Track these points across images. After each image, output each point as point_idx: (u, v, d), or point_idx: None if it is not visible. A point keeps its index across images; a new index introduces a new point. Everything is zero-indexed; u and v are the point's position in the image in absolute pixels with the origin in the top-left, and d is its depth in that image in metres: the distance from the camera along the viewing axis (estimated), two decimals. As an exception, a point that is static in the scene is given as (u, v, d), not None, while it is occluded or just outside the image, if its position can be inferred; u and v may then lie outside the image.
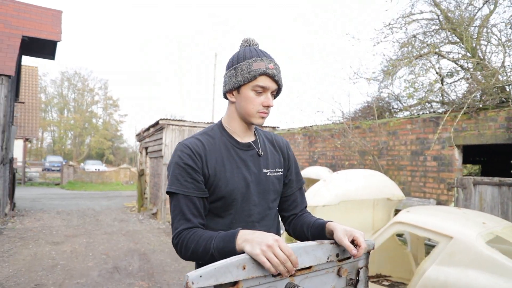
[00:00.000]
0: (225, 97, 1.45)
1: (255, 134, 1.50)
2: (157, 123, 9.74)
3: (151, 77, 67.71)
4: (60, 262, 5.48)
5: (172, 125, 9.56)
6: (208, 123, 10.17)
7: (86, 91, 44.47)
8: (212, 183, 1.32)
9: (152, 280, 4.84)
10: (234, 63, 1.37)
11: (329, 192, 4.12)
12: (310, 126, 8.86)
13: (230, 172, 1.35)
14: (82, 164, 32.09)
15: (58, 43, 8.82)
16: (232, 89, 1.37)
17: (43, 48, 9.15)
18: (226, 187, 1.32)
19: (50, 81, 46.05)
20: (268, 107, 1.35)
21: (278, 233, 1.54)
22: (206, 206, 1.33)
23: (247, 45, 1.43)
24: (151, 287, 4.60)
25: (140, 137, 12.96)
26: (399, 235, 5.49)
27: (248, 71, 1.31)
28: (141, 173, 12.11)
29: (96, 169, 26.61)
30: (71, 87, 43.86)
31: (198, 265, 1.36)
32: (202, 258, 1.19)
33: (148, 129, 11.23)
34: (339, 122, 8.12)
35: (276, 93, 1.40)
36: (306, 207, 1.59)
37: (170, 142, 9.51)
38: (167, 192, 1.31)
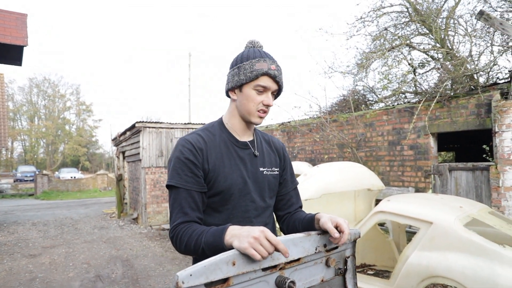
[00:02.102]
0: (227, 95, 1.48)
1: (253, 134, 1.53)
2: (133, 126, 9.54)
3: (125, 79, 66.28)
4: (39, 275, 5.29)
5: (149, 127, 9.40)
6: (185, 123, 10.06)
7: (57, 97, 43.03)
8: (212, 177, 1.34)
9: (137, 286, 4.75)
10: (238, 62, 1.40)
11: (311, 186, 4.14)
12: (288, 122, 8.90)
13: (229, 168, 1.38)
14: (56, 172, 31.08)
15: (24, 48, 8.47)
16: (234, 87, 1.41)
17: (8, 53, 8.76)
18: (224, 182, 1.35)
19: (17, 88, 44.45)
20: (268, 106, 1.39)
21: (274, 230, 1.57)
22: (205, 201, 1.35)
23: (251, 46, 1.46)
24: (136, 293, 4.51)
25: (116, 141, 12.68)
26: (381, 224, 5.60)
27: (251, 71, 1.35)
28: (119, 178, 11.85)
29: (72, 177, 25.86)
30: (40, 94, 42.35)
31: (195, 260, 1.37)
32: (194, 252, 1.20)
33: (124, 133, 11.00)
34: (316, 116, 8.19)
35: (277, 93, 1.45)
36: (301, 207, 1.62)
37: (147, 145, 9.35)
38: (167, 186, 1.33)
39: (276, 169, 1.53)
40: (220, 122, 1.49)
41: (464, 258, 2.72)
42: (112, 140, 13.53)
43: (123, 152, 12.01)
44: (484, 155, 5.22)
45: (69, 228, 9.22)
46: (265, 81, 1.35)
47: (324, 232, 1.25)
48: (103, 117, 61.56)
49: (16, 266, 5.77)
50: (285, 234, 1.58)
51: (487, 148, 5.12)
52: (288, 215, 1.57)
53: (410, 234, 5.06)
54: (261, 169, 1.47)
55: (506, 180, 4.59)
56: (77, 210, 13.02)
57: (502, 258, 2.56)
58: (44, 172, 24.52)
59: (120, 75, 64.78)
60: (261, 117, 1.41)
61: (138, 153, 9.50)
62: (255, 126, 1.52)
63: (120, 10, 69.74)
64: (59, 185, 22.08)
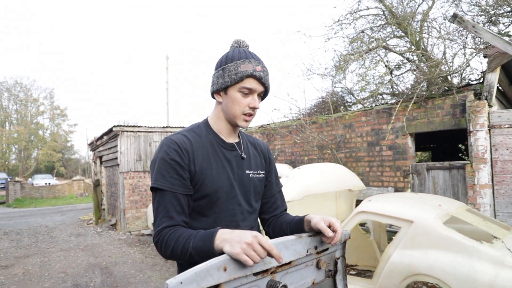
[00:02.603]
0: (213, 97, 1.44)
1: (239, 136, 1.50)
2: (111, 130, 9.32)
3: (101, 83, 64.88)
4: (11, 287, 5.06)
5: (127, 131, 9.20)
6: (163, 127, 9.91)
7: (29, 101, 41.59)
8: (198, 180, 1.29)
9: (117, 294, 4.62)
10: (222, 64, 1.36)
11: (293, 188, 4.14)
12: (268, 124, 8.91)
13: (216, 170, 1.34)
14: (30, 179, 29.97)
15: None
16: (219, 90, 1.37)
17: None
18: (212, 185, 1.31)
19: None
20: (254, 108, 1.35)
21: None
22: (190, 204, 1.30)
23: (237, 46, 1.41)
24: (116, 302, 4.38)
25: (93, 146, 12.36)
26: (362, 224, 5.67)
27: (235, 73, 1.30)
28: (97, 184, 11.55)
29: (46, 183, 24.97)
30: (11, 98, 40.85)
31: (180, 265, 1.33)
32: (181, 257, 1.15)
33: (101, 137, 10.74)
34: (296, 118, 8.24)
35: (263, 95, 1.41)
36: (286, 210, 1.60)
37: (125, 149, 9.15)
38: (151, 188, 1.27)
39: (262, 172, 1.50)
40: (206, 123, 1.44)
41: (444, 256, 2.77)
42: (89, 145, 13.18)
43: (100, 157, 11.71)
44: (460, 154, 5.37)
45: (44, 237, 8.89)
46: (250, 83, 1.31)
47: (315, 233, 1.24)
48: (79, 121, 60.12)
49: (-13, 278, 5.51)
50: (271, 237, 1.55)
51: (463, 147, 5.28)
52: (274, 218, 1.54)
53: (391, 233, 5.14)
54: (248, 171, 1.43)
55: (481, 178, 4.74)
56: (52, 218, 12.58)
57: (480, 254, 2.63)
58: (17, 178, 23.65)
59: (100, 77, 63.42)
60: (247, 121, 1.37)
61: (116, 158, 9.28)
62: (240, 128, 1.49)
63: (118, 10, 68.32)
64: (33, 192, 21.31)
